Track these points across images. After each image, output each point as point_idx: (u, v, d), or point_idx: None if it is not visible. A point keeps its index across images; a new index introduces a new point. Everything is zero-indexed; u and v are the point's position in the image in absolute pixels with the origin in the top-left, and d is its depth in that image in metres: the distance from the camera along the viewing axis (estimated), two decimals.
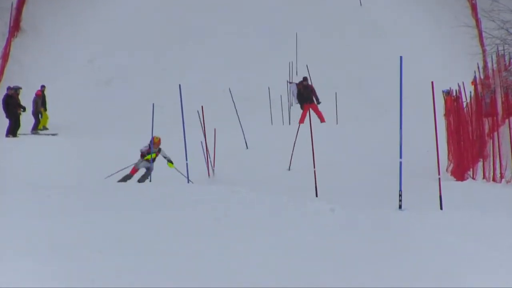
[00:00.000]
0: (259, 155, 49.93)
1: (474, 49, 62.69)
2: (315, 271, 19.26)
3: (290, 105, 56.80)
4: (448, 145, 47.86)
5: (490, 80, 47.84)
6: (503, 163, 42.11)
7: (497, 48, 54.16)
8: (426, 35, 67.18)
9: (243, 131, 52.16)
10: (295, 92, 53.07)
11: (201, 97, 54.80)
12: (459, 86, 47.82)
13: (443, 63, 56.61)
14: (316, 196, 35.96)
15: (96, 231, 21.96)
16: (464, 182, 43.18)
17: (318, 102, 54.66)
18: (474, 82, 49.08)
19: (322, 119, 50.63)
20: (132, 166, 40.00)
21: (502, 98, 45.83)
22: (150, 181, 38.02)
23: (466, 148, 44.20)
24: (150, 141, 40.64)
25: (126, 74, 63.27)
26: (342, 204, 29.06)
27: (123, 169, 36.83)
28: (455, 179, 44.20)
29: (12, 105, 55.66)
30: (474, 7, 69.00)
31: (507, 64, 48.63)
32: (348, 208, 28.30)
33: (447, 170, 46.27)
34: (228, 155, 50.11)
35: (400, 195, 31.15)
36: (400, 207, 30.63)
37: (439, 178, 32.72)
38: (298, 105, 57.69)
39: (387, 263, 20.63)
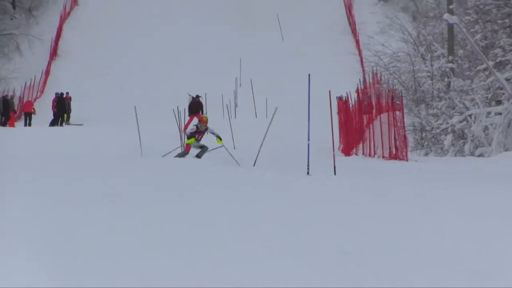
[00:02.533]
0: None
1: (357, 69, 63.79)
2: (247, 208, 19.08)
3: (235, 105, 53.63)
4: (339, 132, 48.31)
5: (367, 90, 49.08)
6: (376, 145, 42.56)
7: (372, 69, 55.99)
8: (327, 60, 63.38)
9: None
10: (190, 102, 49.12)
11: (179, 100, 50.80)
12: (347, 94, 48.95)
13: (337, 78, 56.11)
14: (254, 165, 35.22)
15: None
16: (350, 157, 44.23)
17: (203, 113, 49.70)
18: (357, 91, 49.66)
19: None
20: (186, 145, 34.41)
21: (375, 102, 45.62)
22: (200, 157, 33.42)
23: (351, 135, 44.96)
24: (198, 121, 34.92)
25: (132, 81, 59.26)
26: (270, 170, 29.66)
27: (175, 149, 34.07)
28: (344, 155, 44.83)
29: (60, 105, 53.52)
30: (357, 42, 66.54)
31: (379, 79, 50.24)
32: (274, 173, 28.11)
33: (339, 149, 46.62)
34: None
35: (308, 165, 30.41)
36: (308, 173, 29.99)
37: (334, 154, 32.96)
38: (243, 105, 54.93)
39: (299, 205, 20.06)
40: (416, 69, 50.07)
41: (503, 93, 42.23)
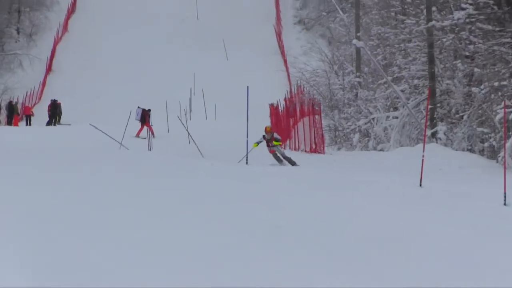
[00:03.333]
0: (176, 137, 44.92)
1: (285, 83, 62.57)
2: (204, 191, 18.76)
3: (190, 110, 52.19)
4: (271, 125, 46.27)
5: (293, 99, 49.07)
6: (299, 141, 43.05)
7: (297, 82, 55.99)
8: (262, 75, 62.13)
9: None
10: (140, 114, 45.07)
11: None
12: (277, 102, 48.42)
13: (269, 89, 55.15)
14: (203, 157, 33.97)
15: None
16: (282, 148, 41.75)
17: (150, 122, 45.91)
18: (285, 100, 48.98)
19: (152, 134, 42.48)
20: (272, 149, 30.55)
21: (299, 108, 46.04)
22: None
23: (280, 133, 44.08)
24: (265, 132, 30.58)
25: (109, 92, 58.67)
26: (217, 161, 28.94)
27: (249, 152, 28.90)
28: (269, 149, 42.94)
29: (53, 109, 53.42)
30: (285, 61, 65.93)
31: (302, 90, 50.49)
32: (220, 163, 27.79)
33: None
34: (163, 136, 45.89)
35: (247, 157, 29.84)
36: (246, 163, 29.53)
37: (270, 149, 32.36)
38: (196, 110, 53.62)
39: (239, 185, 20.56)
40: (331, 83, 50.10)
41: (399, 102, 42.45)
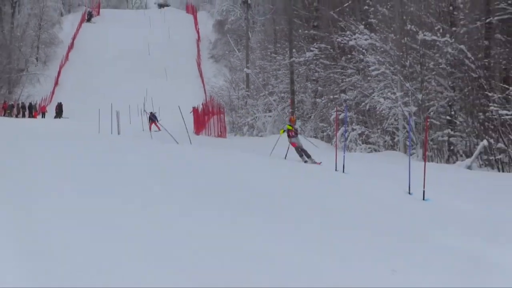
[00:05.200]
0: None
1: (202, 95, 60.71)
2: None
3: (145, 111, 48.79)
4: (194, 123, 45.92)
5: (208, 103, 48.69)
6: (211, 130, 42.96)
7: (210, 94, 55.25)
8: (189, 89, 60.34)
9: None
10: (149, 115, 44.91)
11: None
12: (197, 106, 47.49)
13: (194, 98, 53.95)
14: (151, 138, 32.10)
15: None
16: (199, 136, 41.48)
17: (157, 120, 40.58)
18: (202, 104, 48.92)
19: (158, 128, 38.06)
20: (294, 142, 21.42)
21: (210, 109, 45.68)
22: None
23: (199, 125, 44.17)
24: (289, 122, 23.16)
25: (94, 99, 57.06)
26: (165, 143, 26.88)
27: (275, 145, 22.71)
28: (196, 135, 41.61)
29: (59, 108, 53.34)
30: (202, 81, 64.21)
31: (212, 99, 50.17)
32: (166, 144, 25.93)
33: (194, 132, 43.32)
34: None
35: (177, 142, 28.35)
36: (177, 143, 27.77)
37: (194, 133, 31.91)
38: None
39: (174, 158, 19.97)
40: (231, 94, 49.78)
41: (272, 107, 42.38)
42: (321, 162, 20.45)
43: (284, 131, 22.15)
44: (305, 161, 21.13)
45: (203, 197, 12.50)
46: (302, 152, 21.10)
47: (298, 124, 38.31)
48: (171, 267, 7.48)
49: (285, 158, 21.24)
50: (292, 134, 21.18)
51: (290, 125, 21.93)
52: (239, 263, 7.79)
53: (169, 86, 62.65)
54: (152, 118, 42.13)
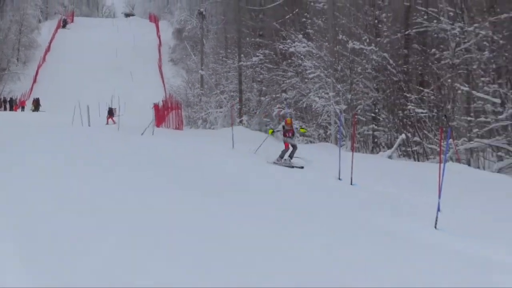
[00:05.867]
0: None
1: (162, 93, 59.64)
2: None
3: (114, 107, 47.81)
4: (156, 117, 45.05)
5: (168, 100, 48.10)
6: (170, 123, 42.59)
7: (169, 92, 54.94)
8: (151, 88, 59.25)
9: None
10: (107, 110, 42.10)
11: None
12: (158, 102, 46.54)
13: (155, 96, 53.05)
14: (118, 129, 31.21)
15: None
16: (159, 128, 38.67)
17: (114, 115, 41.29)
18: (162, 101, 48.40)
19: (114, 122, 38.23)
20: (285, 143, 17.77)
21: (170, 105, 45.68)
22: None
23: (160, 118, 43.66)
24: (284, 122, 18.94)
25: (66, 95, 55.80)
26: (133, 135, 26.68)
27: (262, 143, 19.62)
28: (157, 127, 37.84)
29: (36, 103, 51.67)
30: (163, 81, 63.41)
31: (171, 96, 49.66)
32: (134, 135, 26.06)
33: (155, 124, 42.87)
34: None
35: (143, 132, 28.12)
36: (142, 134, 27.56)
37: (155, 126, 31.38)
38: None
39: (140, 147, 20.58)
40: (187, 93, 49.29)
41: (223, 103, 42.06)
42: (303, 167, 17.03)
43: (273, 131, 19.74)
44: (287, 164, 17.52)
45: (167, 179, 12.43)
46: (288, 154, 17.51)
47: (245, 118, 38.51)
48: (147, 239, 7.53)
49: (289, 160, 17.60)
50: (289, 134, 18.03)
51: (284, 126, 18.41)
52: (195, 231, 8.01)
53: (134, 85, 61.49)
54: (110, 113, 41.63)
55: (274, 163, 17.57)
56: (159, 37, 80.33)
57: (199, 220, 9.06)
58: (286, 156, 17.73)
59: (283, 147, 18.06)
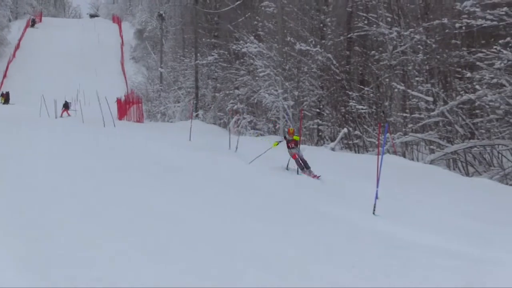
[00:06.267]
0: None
1: (124, 88, 58.76)
2: None
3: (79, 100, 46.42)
4: (117, 110, 43.98)
5: (129, 95, 47.57)
6: (132, 116, 42.19)
7: (130, 88, 54.42)
8: (113, 83, 58.06)
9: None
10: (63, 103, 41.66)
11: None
12: (120, 97, 46.17)
13: (118, 91, 52.41)
14: (83, 122, 30.70)
15: None
16: (121, 121, 39.46)
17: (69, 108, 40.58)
18: (124, 96, 47.67)
19: (69, 114, 38.08)
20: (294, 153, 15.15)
21: (131, 99, 45.37)
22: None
23: (122, 112, 43.24)
24: (286, 132, 17.66)
25: (34, 89, 54.39)
26: (91, 124, 26.95)
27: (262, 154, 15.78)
28: (119, 120, 39.29)
29: (6, 96, 49.77)
30: (125, 77, 62.70)
31: (133, 91, 49.10)
32: (87, 125, 25.98)
33: (117, 117, 40.44)
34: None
35: (104, 124, 27.94)
36: (104, 125, 27.30)
37: (117, 119, 31.04)
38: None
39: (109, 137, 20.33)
40: (148, 88, 49.18)
41: (181, 98, 41.87)
42: (320, 176, 14.56)
43: (277, 143, 16.37)
44: (303, 172, 15.04)
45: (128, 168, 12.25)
46: (302, 162, 15.29)
47: (201, 112, 38.25)
48: (104, 223, 7.38)
49: (287, 168, 15.71)
50: (291, 145, 15.69)
51: (286, 136, 15.97)
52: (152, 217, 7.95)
53: (98, 81, 60.29)
54: (66, 106, 40.90)
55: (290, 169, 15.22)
56: (121, 37, 79.58)
57: (128, 193, 9.16)
58: (305, 168, 14.90)
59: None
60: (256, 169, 14.22)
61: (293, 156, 15.32)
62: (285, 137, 15.79)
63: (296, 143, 15.56)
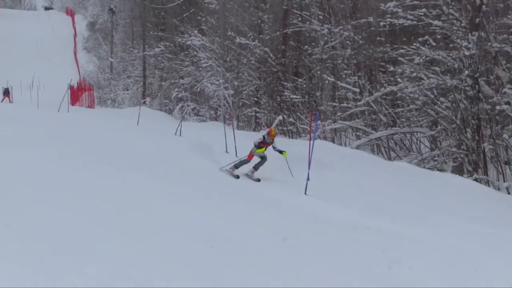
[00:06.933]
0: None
1: (77, 76, 56.82)
2: None
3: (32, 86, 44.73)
4: (70, 96, 43.04)
5: (82, 83, 46.35)
6: (83, 102, 41.13)
7: (82, 76, 53.01)
8: (67, 73, 56.29)
9: None
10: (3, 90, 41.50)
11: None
12: (73, 84, 43.71)
13: (70, 78, 51.29)
14: (38, 107, 28.24)
15: None
16: (74, 106, 35.90)
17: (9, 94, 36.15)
18: (77, 83, 46.14)
19: (10, 101, 34.74)
20: (249, 154, 11.93)
21: (83, 87, 43.94)
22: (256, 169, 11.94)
23: (75, 99, 41.56)
24: (266, 133, 12.04)
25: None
26: (45, 109, 26.10)
27: (236, 161, 12.10)
28: (72, 106, 35.28)
29: None
30: (77, 66, 60.79)
31: (84, 79, 47.82)
32: (41, 110, 24.27)
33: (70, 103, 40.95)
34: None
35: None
36: (58, 110, 25.05)
37: (70, 104, 29.92)
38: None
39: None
40: (99, 76, 48.48)
41: (129, 87, 41.51)
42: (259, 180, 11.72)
43: (286, 154, 12.01)
44: (247, 174, 12.00)
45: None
46: (253, 165, 12.00)
47: (148, 100, 37.54)
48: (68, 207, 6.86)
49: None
50: (262, 146, 12.04)
51: (265, 137, 12.15)
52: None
53: (52, 69, 58.39)
54: (6, 93, 39.03)
55: (226, 170, 12.08)
56: (74, 29, 77.50)
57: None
58: (244, 168, 12.12)
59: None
60: (194, 153, 13.79)
61: (250, 155, 12.07)
62: (263, 137, 12.15)
63: (266, 148, 12.13)
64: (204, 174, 11.45)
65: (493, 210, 11.89)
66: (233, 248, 6.26)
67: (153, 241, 5.85)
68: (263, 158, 12.02)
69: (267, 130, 12.45)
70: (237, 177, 11.81)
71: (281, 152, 11.91)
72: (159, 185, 8.75)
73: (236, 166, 12.01)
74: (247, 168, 12.04)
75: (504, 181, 16.73)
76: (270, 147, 12.10)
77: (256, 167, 11.97)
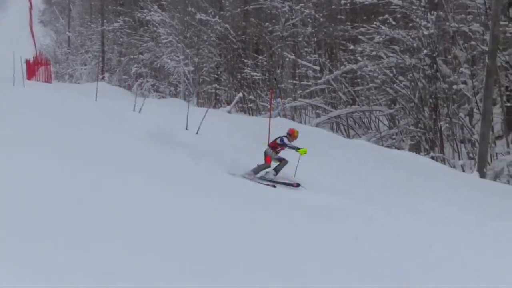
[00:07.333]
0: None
1: (32, 48, 56.14)
2: None
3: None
4: (26, 71, 42.31)
5: (38, 58, 45.06)
6: (39, 77, 40.00)
7: (39, 51, 51.53)
8: (24, 48, 56.53)
9: None
10: None
11: None
12: (29, 58, 43.26)
13: (26, 52, 50.20)
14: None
15: None
16: (31, 81, 36.10)
17: None
18: (33, 58, 44.97)
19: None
20: (266, 157, 10.65)
21: (39, 61, 42.74)
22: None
23: (31, 73, 40.30)
24: (287, 134, 10.59)
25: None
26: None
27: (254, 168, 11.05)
28: (28, 80, 39.19)
29: None
30: (34, 40, 59.70)
31: (41, 54, 46.43)
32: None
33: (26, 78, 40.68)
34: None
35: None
36: (13, 85, 26.72)
37: (26, 79, 28.68)
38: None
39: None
40: (56, 51, 47.50)
41: (87, 62, 40.99)
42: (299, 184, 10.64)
43: (305, 151, 10.71)
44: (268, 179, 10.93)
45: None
46: (272, 168, 11.05)
47: (107, 75, 36.82)
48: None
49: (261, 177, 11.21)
50: (279, 149, 10.94)
51: (288, 138, 10.91)
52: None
53: (7, 42, 57.25)
54: None
55: (244, 177, 10.92)
56: (30, 1, 75.40)
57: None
58: (265, 172, 11.04)
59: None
60: (153, 132, 13.45)
61: (268, 158, 10.96)
62: (281, 139, 10.84)
63: (282, 150, 11.02)
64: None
65: (449, 187, 12.01)
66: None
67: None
68: (283, 161, 10.91)
69: (288, 130, 10.98)
70: (274, 186, 10.61)
71: (298, 149, 10.55)
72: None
73: (255, 172, 10.94)
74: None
75: (460, 159, 17.11)
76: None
77: (277, 170, 10.91)
